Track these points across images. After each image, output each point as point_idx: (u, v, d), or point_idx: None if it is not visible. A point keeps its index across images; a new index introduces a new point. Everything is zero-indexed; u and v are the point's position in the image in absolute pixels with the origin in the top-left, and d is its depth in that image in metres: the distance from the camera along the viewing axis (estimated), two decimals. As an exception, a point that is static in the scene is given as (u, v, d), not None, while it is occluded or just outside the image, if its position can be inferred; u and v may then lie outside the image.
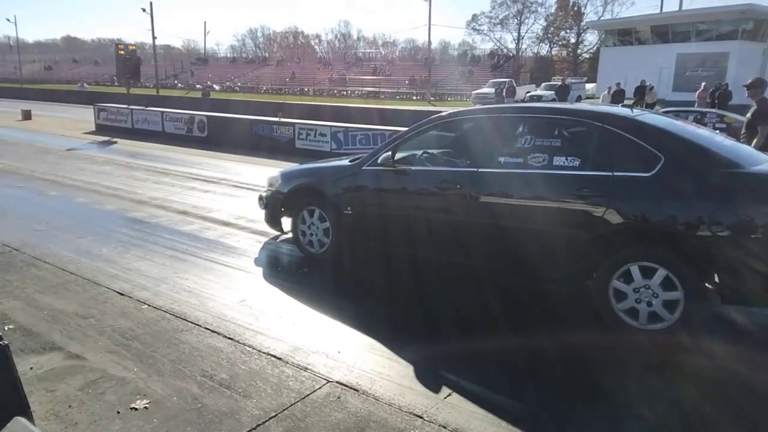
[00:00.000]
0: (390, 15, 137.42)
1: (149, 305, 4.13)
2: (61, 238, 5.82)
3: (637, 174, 3.66)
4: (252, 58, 75.27)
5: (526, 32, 69.44)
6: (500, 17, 68.65)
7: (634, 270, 3.61)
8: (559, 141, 4.08)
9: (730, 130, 12.47)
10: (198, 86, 48.66)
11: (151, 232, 6.15)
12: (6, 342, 1.74)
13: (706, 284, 3.56)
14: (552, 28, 68.11)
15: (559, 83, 29.70)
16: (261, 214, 5.85)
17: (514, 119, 4.47)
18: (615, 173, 3.72)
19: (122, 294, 4.34)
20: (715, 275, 3.51)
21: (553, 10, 67.13)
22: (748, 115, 7.32)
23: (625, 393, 3.12)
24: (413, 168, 4.68)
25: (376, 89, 48.50)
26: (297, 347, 3.53)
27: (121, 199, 7.86)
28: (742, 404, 3.02)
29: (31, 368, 3.18)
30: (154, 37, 45.68)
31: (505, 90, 31.15)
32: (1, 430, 1.71)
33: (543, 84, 37.50)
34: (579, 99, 33.51)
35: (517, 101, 28.22)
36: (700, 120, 13.36)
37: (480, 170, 4.24)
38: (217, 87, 54.07)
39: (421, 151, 4.91)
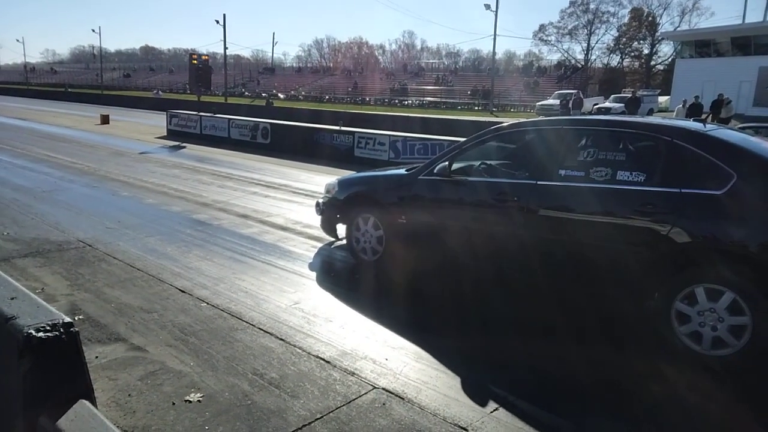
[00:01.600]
0: (455, 25, 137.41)
1: (208, 303, 4.29)
2: (130, 236, 6.15)
3: (706, 191, 3.50)
4: (317, 67, 77.09)
5: (596, 43, 67.70)
6: (569, 27, 67.31)
7: (699, 292, 3.44)
8: (624, 155, 3.94)
9: None
10: (264, 94, 50.33)
11: (213, 234, 6.40)
12: (77, 330, 1.86)
13: None
14: (624, 39, 65.94)
15: (630, 95, 28.67)
16: (317, 220, 5.98)
17: (576, 131, 4.36)
18: (683, 190, 3.56)
19: (183, 291, 4.53)
20: None
21: (626, 20, 65.09)
22: None
23: (679, 420, 2.95)
24: (470, 179, 4.65)
25: (438, 99, 48.53)
26: (345, 352, 3.57)
27: (186, 201, 8.23)
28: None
29: (96, 357, 3.38)
30: (225, 48, 47.77)
31: (571, 102, 30.31)
32: (68, 411, 1.82)
33: (612, 96, 36.30)
34: (651, 112, 32.24)
35: (584, 113, 27.43)
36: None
37: (539, 183, 4.16)
38: (281, 95, 55.74)
39: (479, 162, 4.87)
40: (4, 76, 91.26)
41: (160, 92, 51.23)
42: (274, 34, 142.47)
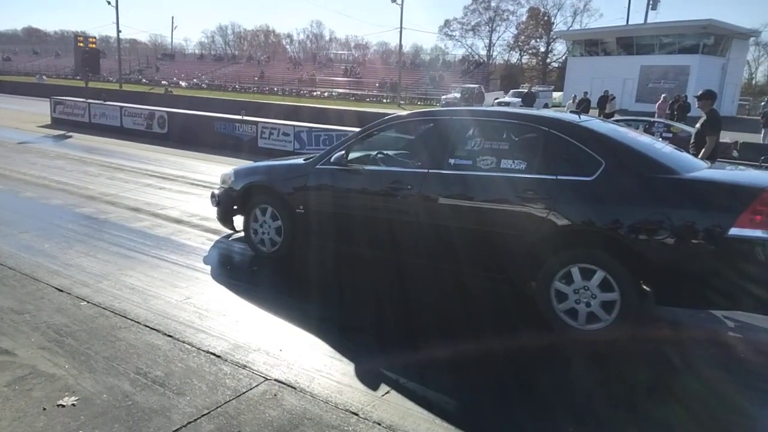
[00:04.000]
0: (363, 17, 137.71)
1: (88, 302, 4.01)
2: (2, 233, 5.60)
3: (578, 178, 3.75)
4: (221, 55, 74.12)
5: (497, 40, 70.65)
6: (472, 24, 69.72)
7: (575, 271, 3.70)
8: (507, 144, 4.14)
9: (677, 140, 13.04)
10: (163, 82, 47.69)
11: (99, 229, 5.98)
12: None
13: (643, 286, 3.66)
14: (522, 37, 69.35)
15: (526, 90, 30.24)
16: (214, 211, 5.76)
17: (464, 122, 4.51)
18: (558, 177, 3.81)
19: (61, 290, 4.20)
20: (650, 277, 3.62)
21: (524, 18, 68.43)
22: (698, 125, 7.58)
23: (561, 388, 3.18)
24: (366, 168, 4.70)
25: (347, 91, 48.46)
26: (238, 345, 3.48)
27: (70, 194, 7.63)
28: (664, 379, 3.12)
29: (-46, 365, 3.05)
30: (118, 30, 44.24)
31: (474, 96, 31.50)
32: None
33: (511, 91, 38.11)
34: (546, 107, 34.19)
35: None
36: (648, 129, 13.90)
37: (430, 171, 4.29)
38: (183, 84, 53.13)
39: (376, 152, 4.93)
40: None
41: (44, 77, 46.98)
42: (173, 18, 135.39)
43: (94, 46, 17.41)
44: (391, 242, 4.57)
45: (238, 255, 5.45)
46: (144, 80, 56.73)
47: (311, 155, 5.25)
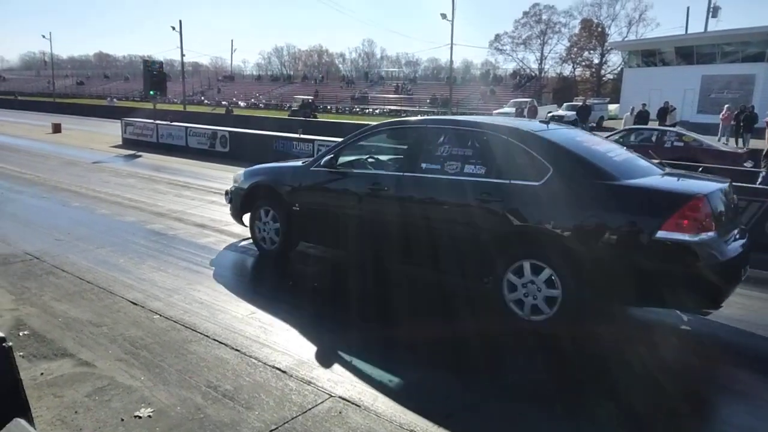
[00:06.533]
0: (413, 34, 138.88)
1: (161, 315, 4.19)
2: (80, 248, 5.95)
3: (529, 183, 4.11)
4: (277, 75, 76.50)
5: (549, 53, 69.51)
6: (523, 37, 68.92)
7: (526, 266, 4.06)
8: (471, 151, 4.51)
9: (687, 149, 12.65)
10: (224, 103, 49.60)
11: (168, 244, 6.26)
12: (10, 344, 1.78)
13: (584, 284, 3.87)
14: (575, 49, 67.97)
15: (581, 104, 29.56)
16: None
17: (435, 130, 4.90)
18: (512, 181, 4.19)
19: (135, 304, 4.41)
20: (588, 276, 3.84)
21: (576, 30, 67.15)
22: None
23: (509, 373, 3.33)
24: (351, 170, 5.20)
25: (399, 107, 48.85)
26: (302, 361, 3.54)
27: (141, 211, 8.03)
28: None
29: (42, 374, 3.25)
30: (182, 55, 46.73)
31: (526, 110, 31.06)
32: (1, 431, 1.75)
33: (564, 104, 37.32)
34: (601, 120, 33.29)
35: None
36: (660, 138, 13.63)
37: (405, 174, 4.74)
38: (242, 104, 55.06)
39: (367, 156, 5.41)
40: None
41: (114, 100, 49.87)
42: (232, 41, 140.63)
43: (161, 70, 18.34)
44: (373, 239, 5.04)
45: (299, 270, 5.56)
46: (206, 101, 59.17)
47: (308, 159, 5.96)
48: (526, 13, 67.99)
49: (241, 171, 6.25)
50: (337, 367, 3.48)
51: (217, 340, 3.79)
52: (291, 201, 5.46)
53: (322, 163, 5.26)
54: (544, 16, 67.20)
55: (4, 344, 1.76)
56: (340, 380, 3.31)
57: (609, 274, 3.80)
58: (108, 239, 6.39)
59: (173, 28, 46.33)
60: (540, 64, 69.66)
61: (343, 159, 5.30)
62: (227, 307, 4.43)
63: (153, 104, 18.87)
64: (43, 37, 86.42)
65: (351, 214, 5.04)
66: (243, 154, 14.66)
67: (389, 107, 49.83)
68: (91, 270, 5.22)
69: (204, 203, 8.79)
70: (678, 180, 4.26)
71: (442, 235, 4.48)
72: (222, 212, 8.07)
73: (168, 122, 18.27)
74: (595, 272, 3.82)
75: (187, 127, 17.10)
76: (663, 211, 3.63)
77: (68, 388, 3.12)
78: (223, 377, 3.29)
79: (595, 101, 38.90)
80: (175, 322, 4.08)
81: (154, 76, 17.67)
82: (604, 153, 4.38)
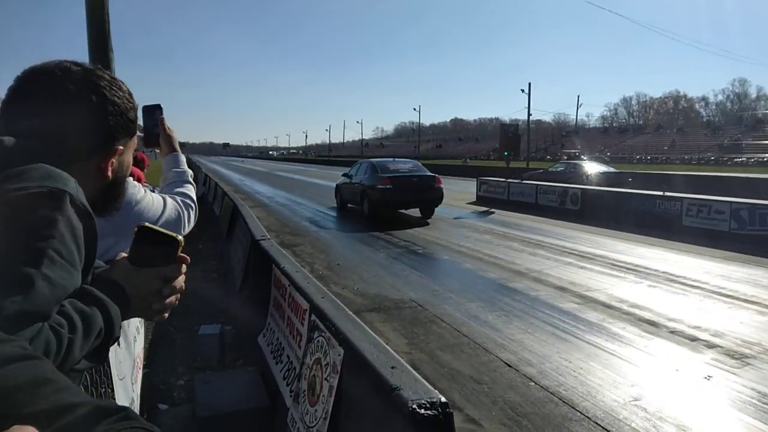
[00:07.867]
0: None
1: (536, 383, 4.13)
2: (453, 300, 6.50)
3: None
4: (624, 126, 72.66)
5: None
6: None
7: None
8: None
9: None
10: (564, 158, 49.63)
11: (531, 306, 6.29)
12: (452, 410, 1.89)
13: None
14: None
15: None
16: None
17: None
18: None
19: (509, 365, 4.48)
20: None
21: None
22: None
23: None
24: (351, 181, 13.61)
25: (784, 155, 40.09)
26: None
27: (500, 268, 8.39)
28: None
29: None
30: (528, 114, 49.30)
31: None
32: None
33: None
34: None
35: None
36: None
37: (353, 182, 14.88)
38: (585, 157, 54.10)
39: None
40: (347, 149, 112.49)
41: (467, 160, 55.46)
42: (578, 96, 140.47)
43: (516, 132, 19.47)
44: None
45: (678, 353, 4.79)
46: (548, 156, 60.40)
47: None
48: None
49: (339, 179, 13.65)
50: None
51: (600, 425, 3.48)
52: (338, 191, 15.00)
53: (342, 176, 16.17)
54: None
55: (448, 410, 1.88)
56: None
57: None
58: (475, 294, 6.82)
59: (522, 91, 49.23)
60: None
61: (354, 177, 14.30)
62: (603, 386, 4.07)
63: (505, 163, 20.11)
64: (414, 109, 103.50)
65: (353, 193, 14.34)
66: (595, 213, 14.11)
67: (770, 155, 41.36)
68: (465, 323, 5.60)
69: (560, 264, 8.64)
70: None
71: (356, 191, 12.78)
72: (582, 275, 7.79)
73: (519, 181, 19.12)
74: None
75: (537, 185, 17.53)
76: None
77: (460, 444, 3.28)
78: (614, 473, 2.95)
79: None
80: (551, 393, 3.95)
81: (510, 137, 18.83)
82: None
